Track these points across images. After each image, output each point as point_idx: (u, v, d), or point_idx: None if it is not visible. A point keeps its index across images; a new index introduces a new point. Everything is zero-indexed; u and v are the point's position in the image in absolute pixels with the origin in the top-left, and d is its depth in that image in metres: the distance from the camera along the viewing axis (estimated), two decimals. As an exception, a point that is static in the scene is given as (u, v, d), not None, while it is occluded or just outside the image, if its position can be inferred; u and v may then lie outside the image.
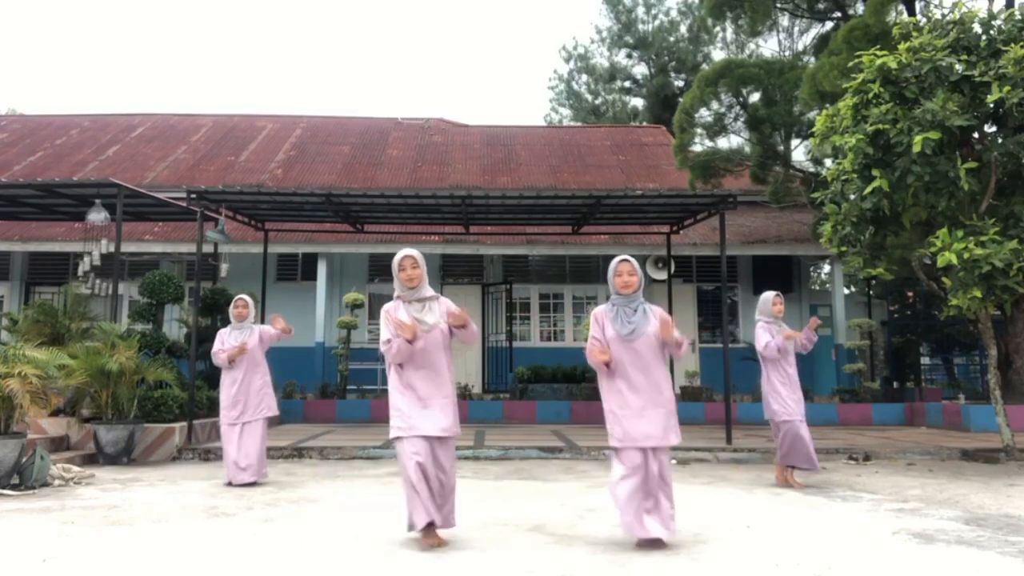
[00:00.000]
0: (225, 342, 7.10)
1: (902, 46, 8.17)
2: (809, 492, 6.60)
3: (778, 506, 5.91)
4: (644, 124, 29.49)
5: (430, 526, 4.35)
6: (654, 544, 4.33)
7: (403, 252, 4.64)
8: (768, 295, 7.07)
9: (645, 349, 4.47)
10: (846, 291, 17.82)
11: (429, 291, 4.67)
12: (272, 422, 12.44)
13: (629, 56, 34.17)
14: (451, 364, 4.66)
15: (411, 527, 4.36)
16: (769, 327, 6.94)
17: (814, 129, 9.20)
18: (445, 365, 4.60)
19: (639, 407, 4.43)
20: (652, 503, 4.41)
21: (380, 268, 16.47)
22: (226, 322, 9.16)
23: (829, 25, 16.78)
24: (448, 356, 4.65)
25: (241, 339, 7.06)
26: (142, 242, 15.16)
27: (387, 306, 4.62)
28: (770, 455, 8.84)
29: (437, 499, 4.39)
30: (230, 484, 6.81)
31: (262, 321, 12.44)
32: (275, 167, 18.98)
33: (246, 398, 7.03)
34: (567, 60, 36.25)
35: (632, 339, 4.47)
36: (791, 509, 5.77)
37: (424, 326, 4.52)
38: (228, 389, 7.06)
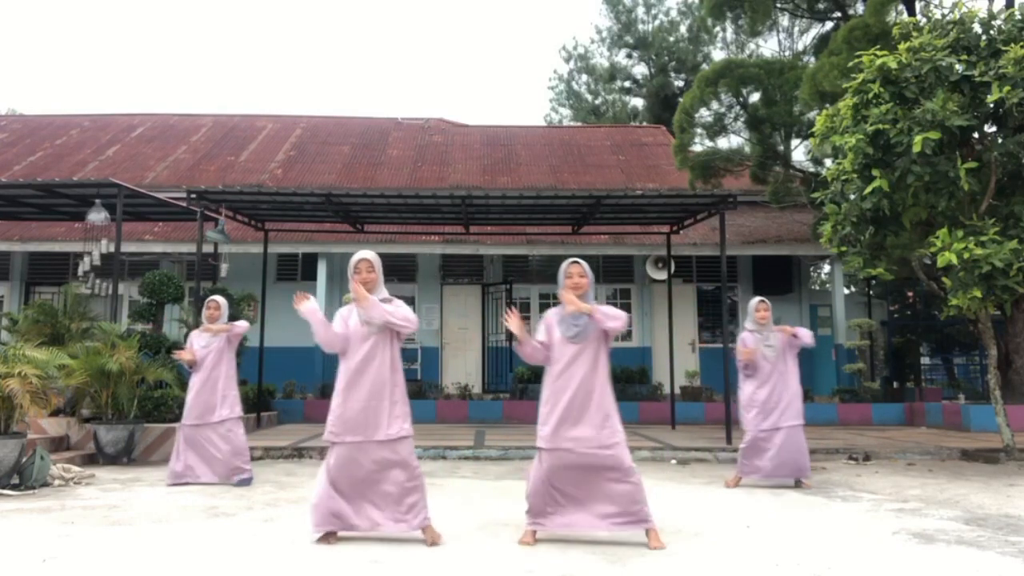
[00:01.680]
0: (193, 343, 7.10)
1: (902, 46, 8.17)
2: (809, 492, 6.60)
3: (778, 506, 5.91)
4: (644, 124, 29.49)
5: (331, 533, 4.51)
6: (644, 544, 4.36)
7: (359, 255, 4.70)
8: (753, 301, 7.03)
9: (588, 352, 4.51)
10: (846, 291, 17.82)
11: (384, 293, 4.71)
12: (271, 422, 12.47)
13: (629, 56, 34.17)
14: (396, 364, 4.64)
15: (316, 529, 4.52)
16: (751, 335, 6.91)
17: (814, 129, 9.20)
18: (388, 366, 4.59)
19: (571, 410, 4.45)
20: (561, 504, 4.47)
21: (381, 265, 16.41)
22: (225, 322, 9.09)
23: (829, 25, 16.78)
24: (393, 355, 4.63)
25: (210, 342, 7.06)
26: (142, 242, 15.16)
27: (341, 309, 4.75)
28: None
29: (374, 503, 4.48)
30: (178, 484, 6.79)
31: (262, 329, 12.46)
32: (275, 167, 18.98)
33: (209, 400, 7.01)
34: (567, 60, 36.25)
35: (576, 342, 4.51)
36: (791, 509, 5.78)
37: (373, 328, 4.56)
38: (193, 391, 7.04)
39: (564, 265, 4.68)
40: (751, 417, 6.83)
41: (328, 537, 4.48)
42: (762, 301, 7.00)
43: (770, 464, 6.77)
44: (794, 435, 6.74)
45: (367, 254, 4.72)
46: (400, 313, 4.58)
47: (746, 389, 6.91)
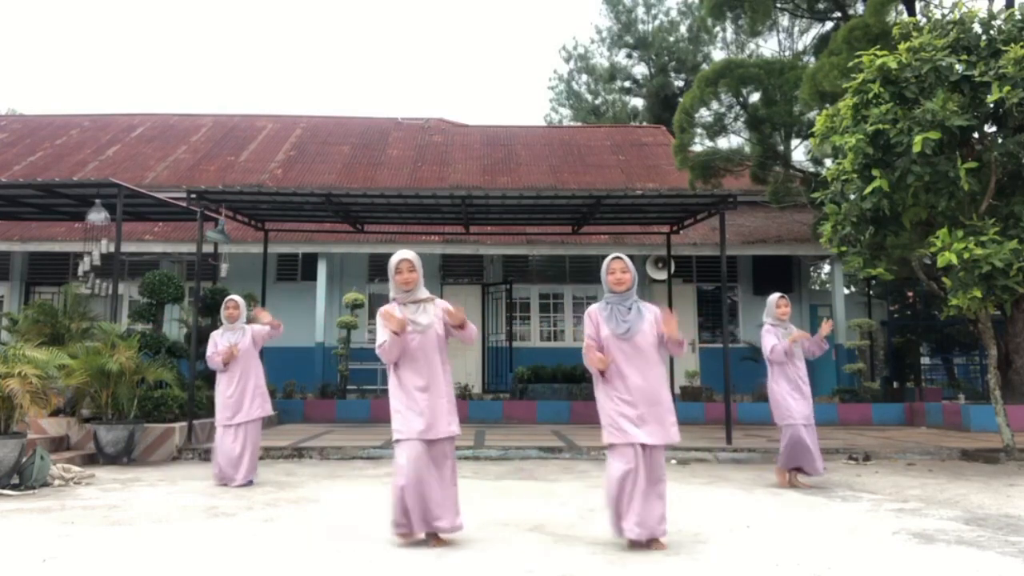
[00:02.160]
0: (218, 344, 7.09)
1: (902, 46, 8.17)
2: (809, 492, 6.60)
3: (778, 506, 5.91)
4: (644, 124, 29.49)
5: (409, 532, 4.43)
6: (645, 545, 4.32)
7: (400, 255, 4.66)
8: (773, 297, 7.08)
9: (641, 347, 4.46)
10: (846, 291, 17.81)
11: (424, 293, 4.68)
12: (271, 422, 12.48)
13: (629, 56, 34.18)
14: (447, 365, 4.66)
15: (395, 528, 4.45)
16: (774, 330, 6.93)
17: (814, 129, 9.20)
18: (440, 366, 4.59)
19: (637, 406, 4.41)
20: (643, 504, 4.32)
21: (380, 268, 16.44)
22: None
23: (829, 25, 16.78)
24: (444, 357, 4.65)
25: (233, 340, 7.04)
26: (142, 242, 15.16)
27: (382, 308, 4.61)
28: (770, 455, 8.85)
29: (428, 505, 4.39)
30: (224, 485, 6.80)
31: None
32: (275, 167, 18.98)
33: (240, 399, 7.01)
34: (567, 60, 36.27)
35: (628, 337, 4.45)
36: (791, 509, 5.77)
37: (418, 327, 4.53)
38: (224, 391, 7.05)
39: (607, 261, 4.61)
40: (796, 403, 6.75)
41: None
42: (782, 297, 7.05)
43: (819, 457, 6.77)
44: (807, 432, 6.77)
45: (407, 254, 4.67)
46: (471, 327, 4.67)
47: (784, 379, 6.83)
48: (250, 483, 6.85)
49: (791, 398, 6.76)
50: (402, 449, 4.45)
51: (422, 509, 4.37)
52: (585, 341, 4.57)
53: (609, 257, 4.64)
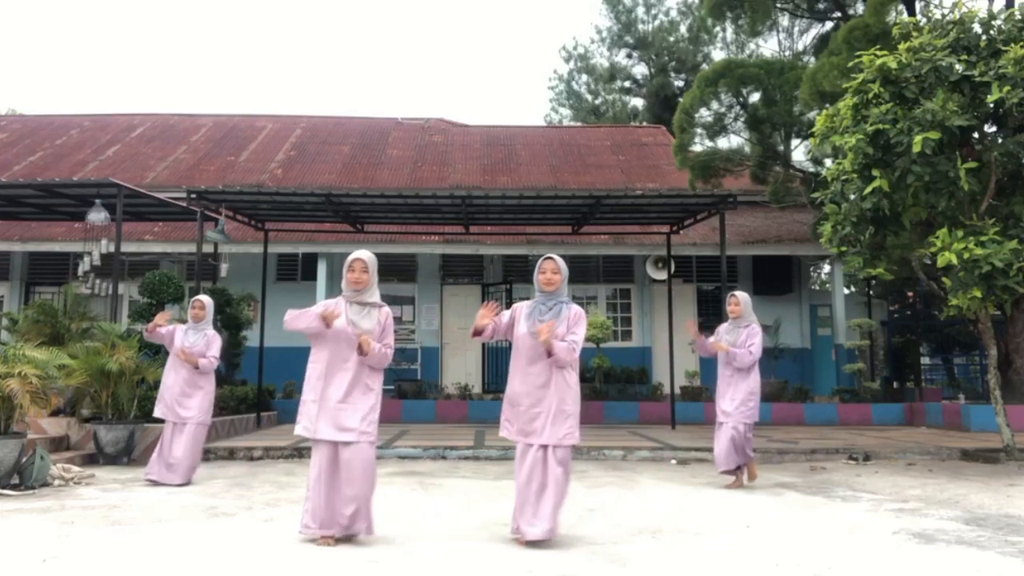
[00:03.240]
0: (174, 340, 7.10)
1: (902, 46, 8.17)
2: (809, 492, 6.61)
3: (778, 506, 5.91)
4: (644, 124, 29.48)
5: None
6: (528, 544, 4.35)
7: (356, 255, 4.73)
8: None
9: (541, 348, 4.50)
10: (846, 291, 17.81)
11: (373, 297, 4.72)
12: (271, 422, 12.48)
13: (629, 56, 34.17)
14: (376, 373, 4.65)
15: (302, 528, 4.51)
16: (723, 327, 7.08)
17: (814, 129, 9.20)
18: (362, 370, 4.59)
19: (527, 403, 4.48)
20: (530, 501, 4.42)
21: (380, 268, 16.41)
22: (225, 323, 9.14)
23: (829, 25, 16.78)
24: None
25: (192, 341, 7.05)
26: (142, 242, 15.16)
27: (330, 299, 4.77)
28: (770, 455, 8.87)
29: (332, 505, 4.45)
30: (152, 482, 6.81)
31: (262, 328, 12.47)
32: (275, 167, 18.98)
33: (187, 399, 7.03)
34: (567, 60, 36.24)
35: (538, 335, 4.48)
36: (791, 509, 5.77)
37: (356, 328, 4.58)
38: (170, 379, 7.08)
39: (540, 260, 4.68)
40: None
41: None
42: (731, 295, 7.14)
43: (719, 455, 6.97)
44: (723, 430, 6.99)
45: (363, 254, 4.72)
46: (388, 354, 4.67)
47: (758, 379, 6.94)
48: (186, 483, 6.86)
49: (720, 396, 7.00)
50: (314, 449, 4.58)
51: (324, 509, 4.45)
52: (494, 321, 4.61)
53: (543, 257, 4.69)
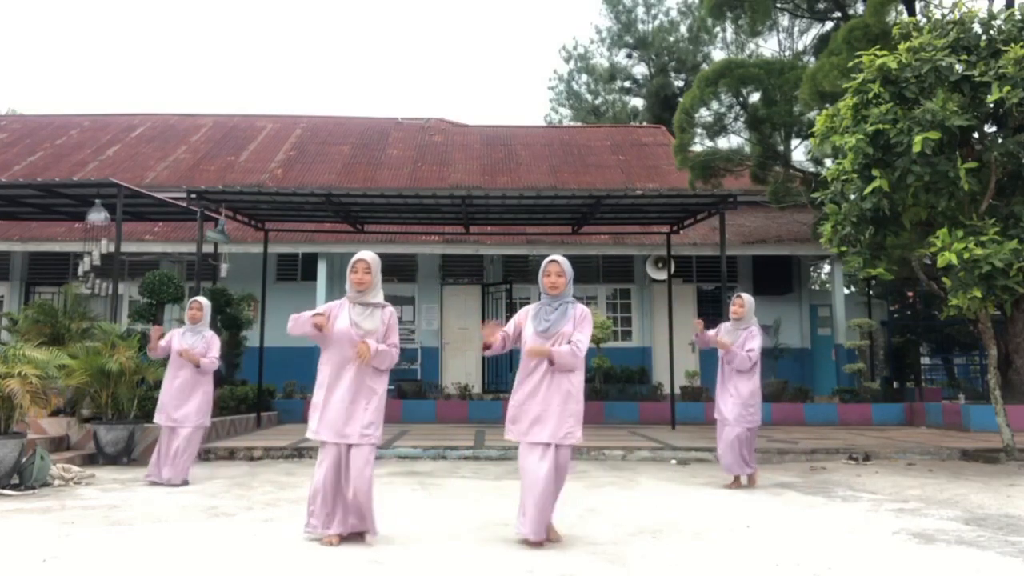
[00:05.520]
0: (172, 341, 7.08)
1: (902, 46, 8.17)
2: (809, 492, 6.61)
3: (778, 506, 5.92)
4: (644, 124, 29.47)
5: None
6: (532, 544, 4.35)
7: (359, 255, 4.72)
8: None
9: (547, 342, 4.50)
10: (846, 291, 17.81)
11: (377, 298, 4.71)
12: (271, 422, 12.48)
13: (629, 56, 34.17)
14: (380, 374, 4.65)
15: (307, 528, 4.52)
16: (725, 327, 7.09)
17: (814, 129, 9.20)
18: (368, 371, 4.60)
19: (531, 403, 4.48)
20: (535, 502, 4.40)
21: (380, 268, 16.42)
22: (225, 323, 9.12)
23: (829, 25, 16.78)
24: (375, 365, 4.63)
25: (191, 343, 7.03)
26: (142, 242, 15.15)
27: (333, 301, 4.77)
28: (770, 455, 8.86)
29: (338, 507, 4.47)
30: (152, 483, 6.82)
31: (262, 328, 12.45)
32: (275, 167, 18.98)
33: (184, 403, 7.01)
34: (567, 60, 36.24)
35: (546, 336, 4.51)
36: (791, 509, 5.77)
37: (359, 330, 4.58)
38: (170, 384, 7.06)
39: (544, 262, 4.68)
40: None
41: None
42: (736, 296, 7.12)
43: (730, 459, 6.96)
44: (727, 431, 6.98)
45: (366, 255, 4.72)
46: (394, 353, 4.67)
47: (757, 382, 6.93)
48: (183, 483, 6.86)
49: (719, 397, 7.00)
50: (320, 450, 4.58)
51: (330, 508, 4.47)
52: (502, 330, 4.64)
53: (547, 259, 4.68)
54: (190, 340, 7.07)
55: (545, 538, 4.40)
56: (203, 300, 7.30)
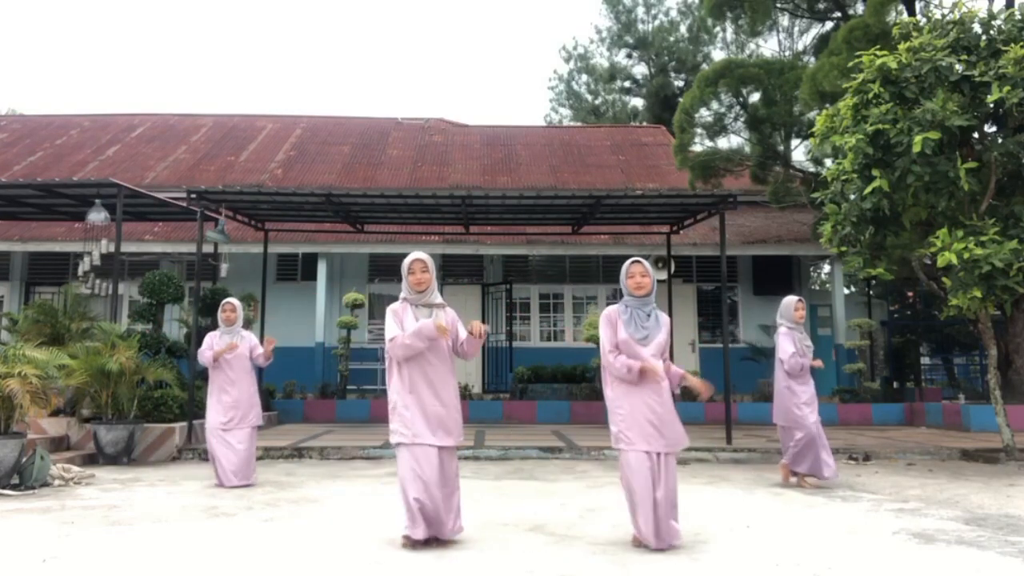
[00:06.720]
0: (214, 345, 7.03)
1: (902, 46, 8.16)
2: (809, 492, 6.60)
3: (778, 506, 5.92)
4: (644, 124, 29.48)
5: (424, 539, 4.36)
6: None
7: (413, 255, 4.64)
8: (790, 300, 7.03)
9: (655, 356, 4.44)
10: (846, 291, 17.82)
11: (438, 297, 4.67)
12: (272, 422, 12.48)
13: (629, 56, 34.17)
14: (454, 372, 4.67)
15: (407, 536, 4.35)
16: (791, 333, 6.91)
17: (814, 129, 9.20)
18: (449, 374, 4.59)
19: (653, 412, 4.39)
20: (656, 509, 4.31)
21: (380, 268, 16.46)
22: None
23: (829, 25, 16.77)
24: (452, 366, 4.64)
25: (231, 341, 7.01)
26: (142, 242, 15.15)
27: (394, 306, 4.61)
28: (770, 455, 8.85)
29: (437, 510, 4.35)
30: (220, 485, 6.78)
31: (262, 328, 12.46)
32: (275, 167, 18.98)
33: (239, 405, 6.97)
34: (567, 60, 36.25)
35: (645, 344, 4.43)
36: (791, 509, 5.77)
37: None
38: (220, 395, 6.98)
39: (626, 264, 4.57)
40: (810, 413, 6.80)
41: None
42: (800, 300, 7.05)
43: (832, 460, 6.84)
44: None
45: (420, 255, 4.67)
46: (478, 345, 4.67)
47: (800, 388, 6.86)
48: (248, 485, 6.83)
49: (807, 408, 6.81)
50: (408, 453, 4.40)
51: (430, 514, 4.34)
52: (603, 345, 4.49)
53: (629, 260, 4.58)
54: (227, 342, 7.02)
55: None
56: (235, 301, 7.26)
